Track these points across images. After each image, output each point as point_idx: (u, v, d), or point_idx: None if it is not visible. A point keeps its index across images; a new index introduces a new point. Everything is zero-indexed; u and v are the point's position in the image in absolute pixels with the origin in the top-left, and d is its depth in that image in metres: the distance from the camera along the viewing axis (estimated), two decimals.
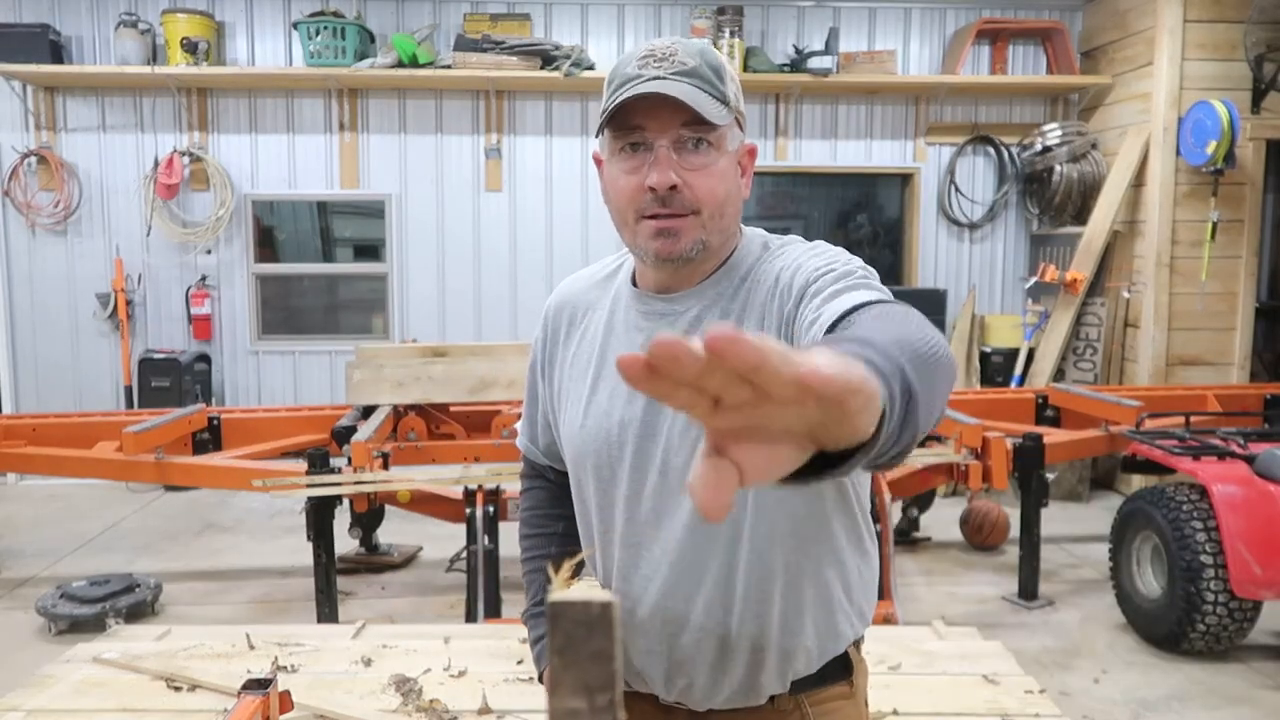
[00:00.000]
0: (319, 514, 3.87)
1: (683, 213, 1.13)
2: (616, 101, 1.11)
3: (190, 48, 6.13)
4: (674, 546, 1.20)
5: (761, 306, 1.17)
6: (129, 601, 4.08)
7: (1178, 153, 5.79)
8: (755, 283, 1.19)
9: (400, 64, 6.19)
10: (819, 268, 1.12)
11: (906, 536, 5.18)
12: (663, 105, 1.10)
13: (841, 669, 1.27)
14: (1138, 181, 6.03)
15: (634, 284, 1.27)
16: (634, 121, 1.13)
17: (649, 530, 1.21)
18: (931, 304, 6.39)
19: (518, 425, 1.48)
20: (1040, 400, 5.15)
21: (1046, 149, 6.47)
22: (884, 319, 0.88)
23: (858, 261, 1.14)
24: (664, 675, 1.24)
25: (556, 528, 1.43)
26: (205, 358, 6.50)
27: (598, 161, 1.23)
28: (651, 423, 1.20)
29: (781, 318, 1.13)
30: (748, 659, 1.21)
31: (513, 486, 4.12)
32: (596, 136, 1.19)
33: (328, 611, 3.87)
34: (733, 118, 1.15)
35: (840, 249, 1.18)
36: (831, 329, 0.96)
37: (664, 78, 1.10)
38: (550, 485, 1.45)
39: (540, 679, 1.39)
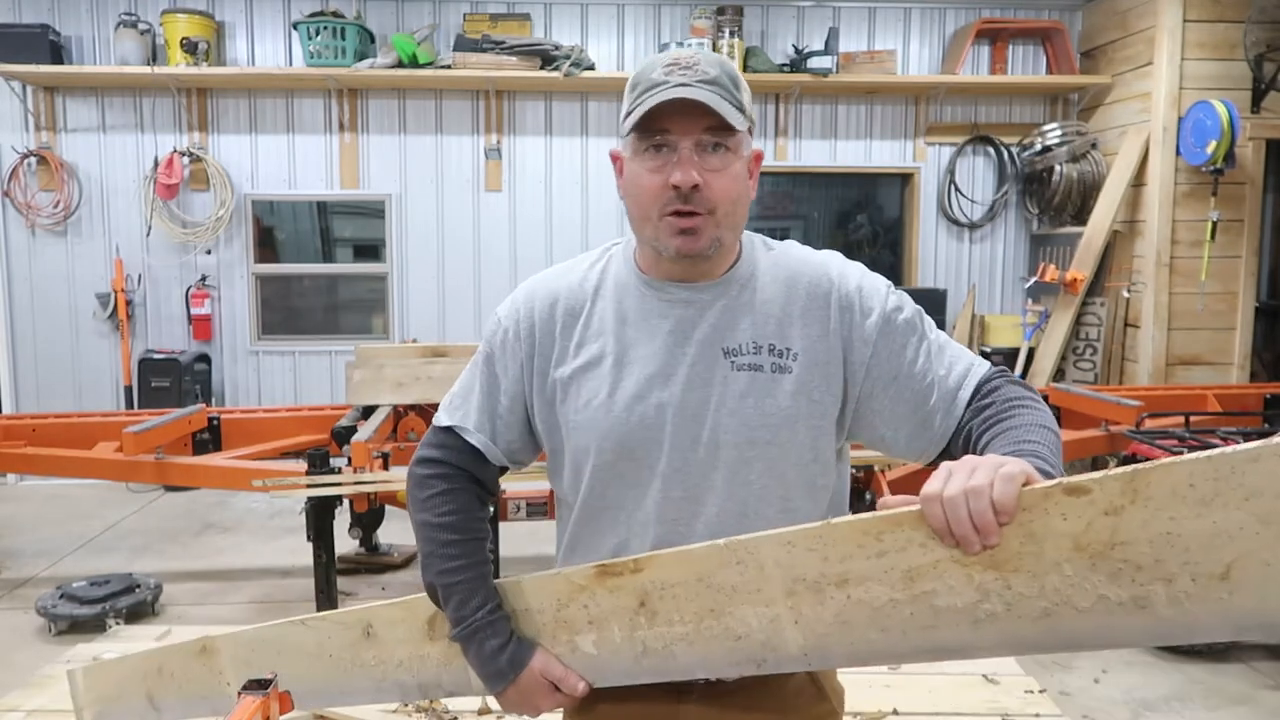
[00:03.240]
0: (319, 514, 3.87)
1: (701, 211, 1.21)
2: (648, 105, 1.18)
3: (190, 48, 6.13)
4: (716, 525, 1.23)
5: (804, 300, 1.28)
6: (129, 602, 4.08)
7: (1178, 152, 5.78)
8: (786, 279, 1.29)
9: (400, 64, 6.18)
10: (887, 297, 1.29)
11: None
12: (688, 110, 1.18)
13: None
14: (1138, 181, 6.03)
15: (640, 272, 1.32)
16: (660, 124, 1.20)
17: (689, 507, 1.25)
18: (931, 304, 6.37)
19: (466, 423, 1.36)
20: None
21: (1046, 149, 6.47)
22: (1024, 413, 1.19)
23: (893, 290, 1.33)
24: None
25: (485, 531, 1.36)
26: (205, 358, 6.51)
27: (615, 159, 1.29)
28: (694, 403, 1.25)
29: (847, 330, 1.27)
30: None
31: (513, 487, 4.12)
32: (625, 136, 1.25)
33: None
34: (748, 125, 1.24)
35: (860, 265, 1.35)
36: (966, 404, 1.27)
37: (690, 85, 1.18)
38: (476, 489, 1.37)
39: (499, 698, 1.29)
